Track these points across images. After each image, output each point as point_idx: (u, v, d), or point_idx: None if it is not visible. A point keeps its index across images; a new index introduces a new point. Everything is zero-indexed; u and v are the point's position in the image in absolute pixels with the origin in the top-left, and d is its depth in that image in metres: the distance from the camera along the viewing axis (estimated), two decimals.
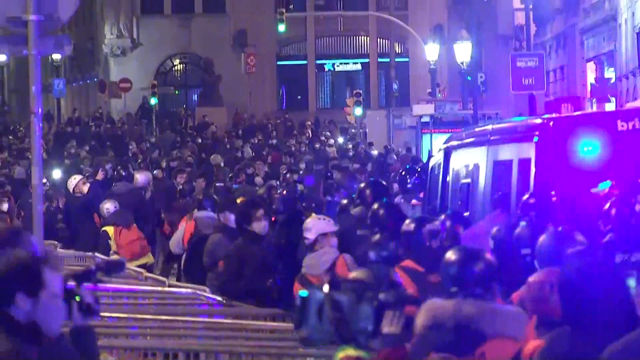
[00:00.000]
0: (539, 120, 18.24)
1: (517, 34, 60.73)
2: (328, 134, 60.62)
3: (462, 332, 7.97)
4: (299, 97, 76.54)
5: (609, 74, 46.56)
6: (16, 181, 33.12)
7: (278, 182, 27.40)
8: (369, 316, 6.76)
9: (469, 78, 53.14)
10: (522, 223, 13.31)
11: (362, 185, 18.08)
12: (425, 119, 47.76)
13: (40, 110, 10.78)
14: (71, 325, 6.66)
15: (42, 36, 10.81)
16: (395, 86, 66.00)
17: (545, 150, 16.26)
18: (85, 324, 6.67)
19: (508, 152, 17.76)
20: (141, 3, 74.97)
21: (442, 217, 13.82)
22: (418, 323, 8.01)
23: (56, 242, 22.74)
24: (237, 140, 55.96)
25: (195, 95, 74.87)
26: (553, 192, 15.36)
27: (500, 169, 17.64)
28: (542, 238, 9.77)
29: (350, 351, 6.52)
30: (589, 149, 16.03)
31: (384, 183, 18.71)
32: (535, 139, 16.59)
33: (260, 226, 15.22)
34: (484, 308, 8.10)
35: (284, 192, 21.06)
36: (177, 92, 75.61)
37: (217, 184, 28.91)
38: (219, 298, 14.70)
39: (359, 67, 76.51)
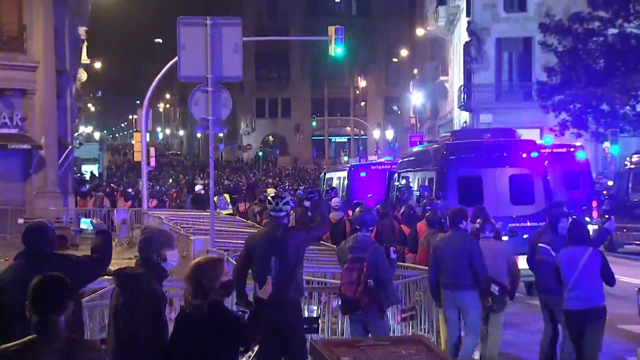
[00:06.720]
0: (348, 165, 20.35)
1: (413, 127, 60.67)
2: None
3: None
4: (320, 152, 76.16)
5: None
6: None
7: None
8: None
9: (392, 145, 53.28)
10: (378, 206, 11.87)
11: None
12: None
13: (213, 157, 11.19)
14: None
15: (214, 125, 11.37)
16: (361, 149, 65.87)
17: (350, 175, 17.99)
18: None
19: (341, 173, 19.18)
20: (256, 112, 74.54)
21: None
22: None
23: None
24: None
25: (278, 151, 74.52)
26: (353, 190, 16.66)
27: (339, 181, 18.90)
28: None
29: None
30: (362, 174, 17.78)
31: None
32: (347, 170, 18.63)
33: None
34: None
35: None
36: (270, 150, 75.29)
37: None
38: None
39: (345, 140, 75.82)
